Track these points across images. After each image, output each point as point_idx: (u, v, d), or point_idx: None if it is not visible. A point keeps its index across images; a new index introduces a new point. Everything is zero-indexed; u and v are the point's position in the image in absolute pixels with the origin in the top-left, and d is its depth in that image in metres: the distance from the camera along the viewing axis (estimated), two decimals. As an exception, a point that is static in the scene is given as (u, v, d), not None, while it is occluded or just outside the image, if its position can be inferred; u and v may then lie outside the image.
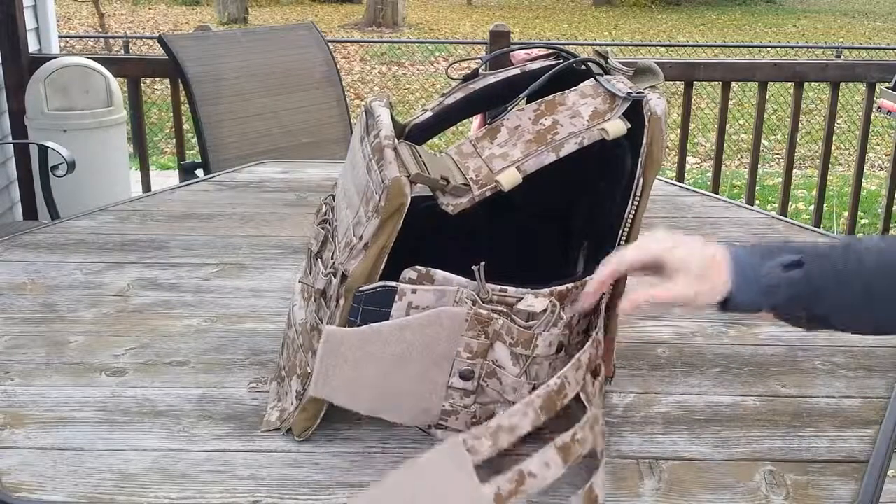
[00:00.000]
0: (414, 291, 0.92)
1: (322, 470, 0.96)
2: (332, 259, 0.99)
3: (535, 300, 0.92)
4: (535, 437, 0.87)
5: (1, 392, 1.10)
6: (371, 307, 0.92)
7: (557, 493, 0.92)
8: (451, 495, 0.79)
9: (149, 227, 1.70)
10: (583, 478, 0.90)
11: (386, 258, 0.93)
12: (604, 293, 0.99)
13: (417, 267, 0.92)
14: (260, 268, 1.52)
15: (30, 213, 3.48)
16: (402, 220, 0.91)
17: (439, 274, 0.92)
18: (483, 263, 0.91)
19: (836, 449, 1.01)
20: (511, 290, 0.92)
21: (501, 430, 0.82)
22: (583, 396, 0.92)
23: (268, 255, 1.57)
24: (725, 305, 0.94)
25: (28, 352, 1.20)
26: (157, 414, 1.06)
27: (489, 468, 0.79)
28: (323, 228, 1.06)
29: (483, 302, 0.91)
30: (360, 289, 0.93)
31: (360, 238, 0.93)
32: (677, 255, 0.93)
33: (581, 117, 0.97)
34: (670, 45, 11.48)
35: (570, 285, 0.95)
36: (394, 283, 0.92)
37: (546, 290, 0.93)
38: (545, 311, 0.92)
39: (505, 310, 0.92)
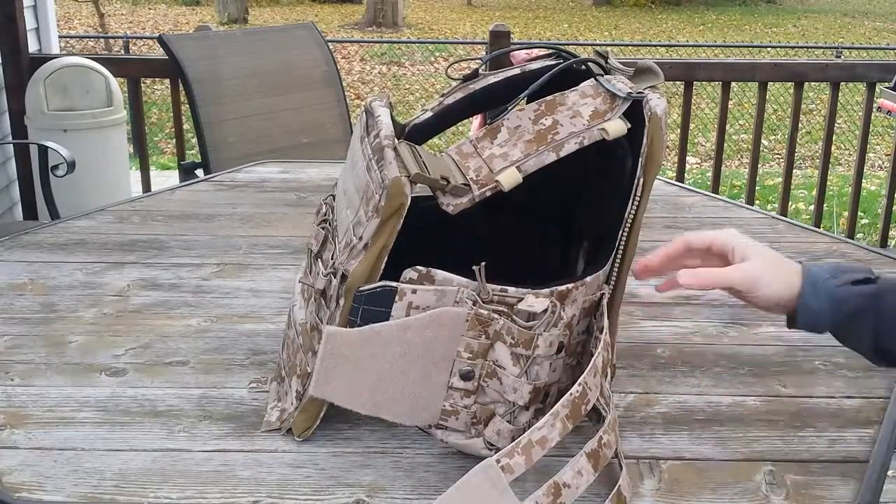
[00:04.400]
0: (414, 291, 0.92)
1: (322, 470, 0.96)
2: (332, 259, 0.99)
3: (535, 300, 0.92)
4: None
5: (1, 392, 1.10)
6: (371, 307, 0.92)
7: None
8: None
9: (149, 227, 1.70)
10: (607, 483, 0.91)
11: (386, 258, 0.93)
12: (603, 293, 0.99)
13: (418, 267, 0.92)
14: (260, 268, 1.52)
15: (30, 213, 3.48)
16: (402, 221, 0.91)
17: (440, 274, 0.92)
18: (483, 264, 0.91)
19: (836, 449, 1.01)
20: (511, 290, 0.92)
21: (533, 445, 0.83)
22: (601, 400, 0.92)
23: (268, 255, 1.57)
24: (795, 318, 0.94)
25: (28, 352, 1.21)
26: (157, 414, 1.06)
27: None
28: (323, 228, 1.06)
29: (483, 302, 0.91)
30: (361, 289, 0.93)
31: (361, 238, 0.93)
32: (753, 247, 0.94)
33: (581, 117, 0.97)
34: (670, 45, 11.49)
35: (570, 285, 0.95)
36: (394, 283, 0.92)
37: (546, 291, 0.93)
38: (546, 311, 0.92)
39: (505, 310, 0.92)
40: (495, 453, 0.83)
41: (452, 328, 0.91)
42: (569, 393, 0.87)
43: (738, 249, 0.94)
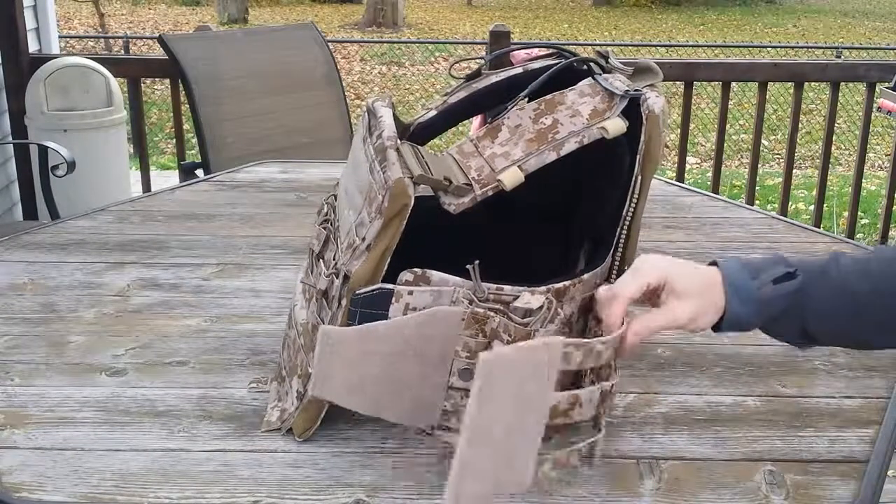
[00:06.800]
0: (411, 293, 0.92)
1: (322, 470, 0.96)
2: (334, 259, 0.99)
3: (531, 297, 0.92)
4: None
5: (1, 392, 1.10)
6: (368, 310, 0.92)
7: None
8: (527, 387, 0.80)
9: (149, 227, 1.70)
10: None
11: (389, 259, 0.93)
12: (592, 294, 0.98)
13: (414, 269, 0.92)
14: (260, 268, 1.52)
15: (30, 213, 3.48)
16: (405, 222, 0.91)
17: (435, 275, 0.92)
18: (478, 262, 0.91)
19: (836, 449, 1.01)
20: (507, 288, 0.92)
21: (592, 353, 0.87)
22: (615, 362, 0.94)
23: (268, 255, 1.57)
24: (720, 324, 0.93)
25: (28, 352, 1.20)
26: (157, 414, 1.06)
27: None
28: (325, 228, 1.06)
29: (479, 300, 0.91)
30: (357, 292, 0.93)
31: (363, 239, 0.93)
32: (677, 278, 0.92)
33: (581, 116, 0.97)
34: (670, 45, 11.49)
35: (567, 283, 0.95)
36: (390, 286, 0.92)
37: (543, 288, 0.93)
38: (541, 307, 0.92)
39: (501, 308, 0.92)
40: None
41: (448, 327, 0.91)
42: (610, 335, 0.89)
43: (667, 286, 0.92)
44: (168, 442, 1.00)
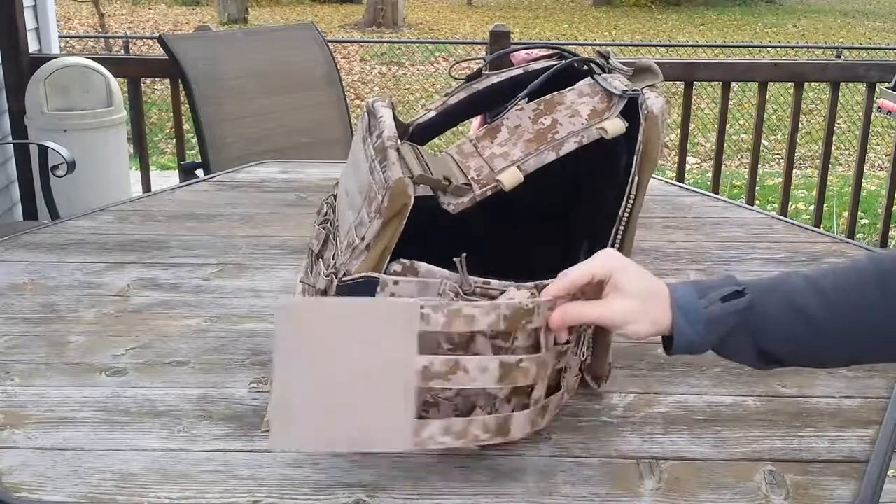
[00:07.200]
0: (396, 283, 0.92)
1: (322, 470, 0.96)
2: (333, 259, 0.99)
3: (516, 293, 0.92)
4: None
5: (1, 392, 1.10)
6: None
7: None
8: (386, 347, 0.83)
9: (149, 227, 1.70)
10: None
11: (388, 259, 0.93)
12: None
13: (402, 259, 0.92)
14: (260, 268, 1.52)
15: (30, 213, 3.48)
16: (404, 221, 0.91)
17: (423, 266, 0.92)
18: (464, 255, 0.91)
19: (836, 449, 1.01)
20: (494, 282, 0.92)
21: (459, 315, 0.85)
22: (543, 338, 0.92)
23: (268, 255, 1.57)
24: (671, 345, 0.92)
25: (28, 352, 1.20)
26: (157, 414, 1.06)
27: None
28: (324, 228, 1.06)
29: (465, 293, 0.91)
30: (343, 279, 0.93)
31: (363, 239, 0.93)
32: (623, 275, 0.91)
33: (580, 116, 0.97)
34: (670, 45, 11.49)
35: (553, 279, 0.95)
36: (376, 275, 0.92)
37: (530, 284, 0.93)
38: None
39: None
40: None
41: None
42: (518, 301, 0.88)
43: (612, 279, 0.91)
44: (168, 442, 1.00)
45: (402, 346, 0.84)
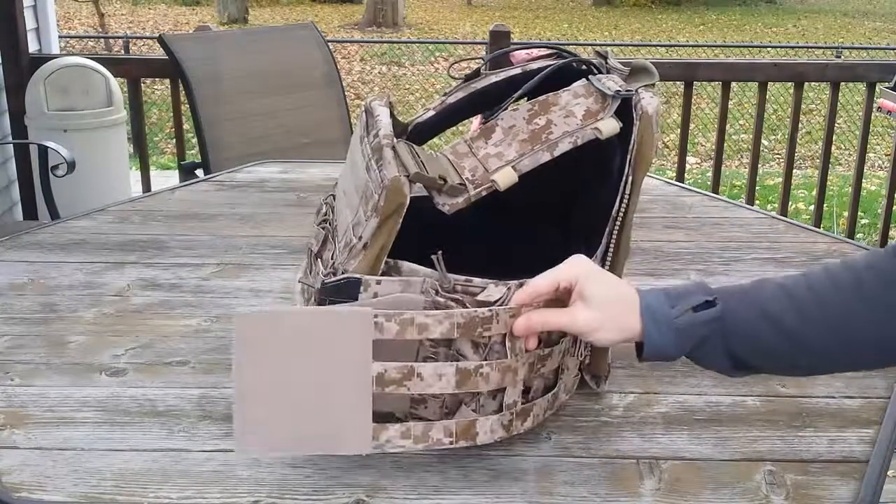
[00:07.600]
0: (379, 282, 0.92)
1: (322, 470, 0.96)
2: (331, 259, 0.99)
3: (494, 289, 0.92)
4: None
5: (1, 392, 1.10)
6: (337, 299, 0.92)
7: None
8: (341, 356, 0.84)
9: (149, 227, 1.70)
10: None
11: (385, 258, 0.93)
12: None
13: (386, 259, 0.92)
14: (260, 268, 1.52)
15: (30, 213, 3.48)
16: (401, 220, 0.91)
17: (405, 265, 0.92)
18: (440, 252, 0.91)
19: (836, 449, 1.01)
20: (476, 280, 0.92)
21: (411, 324, 0.86)
22: (508, 344, 0.91)
23: (268, 255, 1.57)
24: (642, 352, 0.91)
25: (28, 352, 1.20)
26: (157, 414, 1.06)
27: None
28: (323, 228, 1.06)
29: (445, 291, 0.91)
30: (326, 281, 0.93)
31: (360, 238, 0.93)
32: (589, 283, 0.90)
33: (574, 117, 0.97)
34: (670, 45, 11.49)
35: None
36: (358, 275, 0.92)
37: (514, 282, 0.93)
38: (500, 299, 0.91)
39: (467, 299, 0.91)
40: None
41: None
42: (474, 309, 0.89)
43: (577, 287, 0.90)
44: (168, 442, 1.00)
45: (357, 353, 0.85)
